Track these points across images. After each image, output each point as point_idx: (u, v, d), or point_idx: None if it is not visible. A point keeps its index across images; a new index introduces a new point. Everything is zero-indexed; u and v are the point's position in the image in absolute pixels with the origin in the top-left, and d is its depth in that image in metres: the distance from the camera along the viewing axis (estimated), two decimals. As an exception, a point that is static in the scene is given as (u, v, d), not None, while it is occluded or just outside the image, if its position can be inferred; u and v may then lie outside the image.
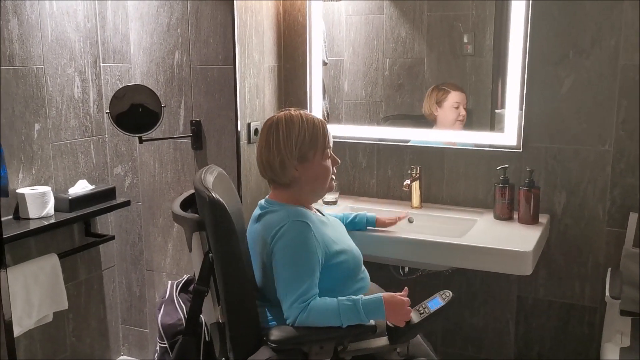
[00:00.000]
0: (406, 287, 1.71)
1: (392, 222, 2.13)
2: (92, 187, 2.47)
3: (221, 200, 1.63)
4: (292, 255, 1.64)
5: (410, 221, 2.36)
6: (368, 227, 2.12)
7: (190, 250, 1.73)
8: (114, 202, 2.51)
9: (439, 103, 2.42)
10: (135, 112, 2.33)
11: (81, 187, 2.43)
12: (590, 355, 2.30)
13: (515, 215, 2.22)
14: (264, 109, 2.55)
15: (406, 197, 2.44)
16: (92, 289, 2.67)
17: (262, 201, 1.82)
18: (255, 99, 2.48)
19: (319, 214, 1.88)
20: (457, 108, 2.39)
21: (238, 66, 2.34)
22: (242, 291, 1.66)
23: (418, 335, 1.80)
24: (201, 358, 1.75)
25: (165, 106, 2.35)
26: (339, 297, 1.62)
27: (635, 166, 2.14)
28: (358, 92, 2.59)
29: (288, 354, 1.62)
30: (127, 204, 2.58)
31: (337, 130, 2.61)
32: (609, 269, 2.15)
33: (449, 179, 2.44)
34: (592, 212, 2.23)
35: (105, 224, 2.68)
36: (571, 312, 2.32)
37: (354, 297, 1.63)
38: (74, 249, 2.49)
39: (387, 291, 1.73)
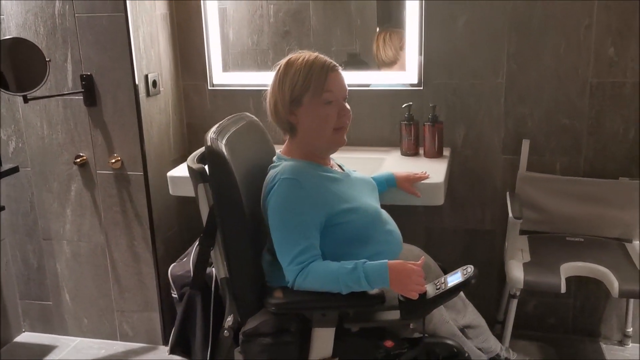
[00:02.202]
0: (423, 257, 1.59)
1: (417, 178, 1.96)
2: (-27, 155, 2.24)
3: (220, 149, 1.53)
4: (281, 216, 1.53)
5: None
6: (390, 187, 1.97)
7: (197, 203, 1.62)
8: None
9: (401, 47, 2.39)
10: (15, 69, 2.12)
11: (-40, 156, 2.19)
12: (493, 274, 2.50)
13: (421, 151, 2.31)
14: (160, 59, 2.42)
15: (314, 141, 2.44)
16: (-16, 266, 2.46)
17: (275, 155, 1.72)
18: (150, 49, 2.34)
19: (337, 169, 1.75)
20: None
21: (130, 14, 2.19)
22: (242, 247, 1.57)
23: (443, 312, 1.65)
24: (211, 312, 1.65)
25: (50, 60, 2.15)
26: (342, 262, 1.50)
27: (525, 96, 2.29)
28: (244, 41, 2.52)
29: (289, 318, 1.55)
30: (14, 170, 2.36)
31: (228, 79, 2.55)
32: (507, 193, 2.32)
33: (354, 120, 2.46)
34: (488, 141, 2.37)
35: (-9, 194, 2.45)
36: (474, 237, 2.49)
37: (355, 261, 1.49)
38: (-41, 225, 2.27)
39: None
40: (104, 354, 2.51)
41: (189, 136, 2.65)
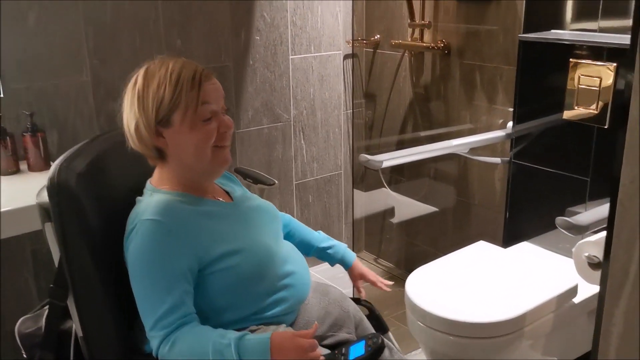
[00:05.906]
0: (316, 323, 1.31)
1: (372, 281, 1.64)
2: None
3: (66, 181, 1.24)
4: (141, 268, 1.22)
5: None
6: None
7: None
8: None
9: None
10: None
11: None
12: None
13: (24, 166, 2.04)
14: None
15: None
16: None
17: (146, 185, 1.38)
18: None
19: (221, 198, 1.42)
20: None
21: None
22: (96, 305, 1.29)
23: None
24: None
25: None
26: (219, 331, 1.21)
27: (112, 91, 2.29)
28: None
29: None
30: None
31: None
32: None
33: None
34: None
35: None
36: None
37: (233, 335, 1.19)
38: None
39: None
40: None
41: None
